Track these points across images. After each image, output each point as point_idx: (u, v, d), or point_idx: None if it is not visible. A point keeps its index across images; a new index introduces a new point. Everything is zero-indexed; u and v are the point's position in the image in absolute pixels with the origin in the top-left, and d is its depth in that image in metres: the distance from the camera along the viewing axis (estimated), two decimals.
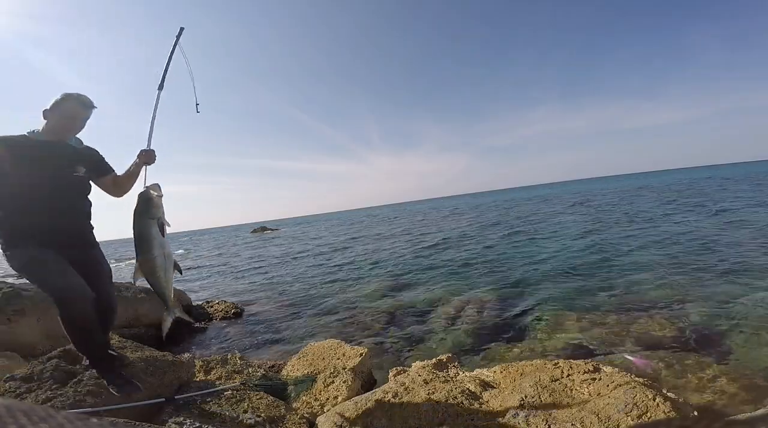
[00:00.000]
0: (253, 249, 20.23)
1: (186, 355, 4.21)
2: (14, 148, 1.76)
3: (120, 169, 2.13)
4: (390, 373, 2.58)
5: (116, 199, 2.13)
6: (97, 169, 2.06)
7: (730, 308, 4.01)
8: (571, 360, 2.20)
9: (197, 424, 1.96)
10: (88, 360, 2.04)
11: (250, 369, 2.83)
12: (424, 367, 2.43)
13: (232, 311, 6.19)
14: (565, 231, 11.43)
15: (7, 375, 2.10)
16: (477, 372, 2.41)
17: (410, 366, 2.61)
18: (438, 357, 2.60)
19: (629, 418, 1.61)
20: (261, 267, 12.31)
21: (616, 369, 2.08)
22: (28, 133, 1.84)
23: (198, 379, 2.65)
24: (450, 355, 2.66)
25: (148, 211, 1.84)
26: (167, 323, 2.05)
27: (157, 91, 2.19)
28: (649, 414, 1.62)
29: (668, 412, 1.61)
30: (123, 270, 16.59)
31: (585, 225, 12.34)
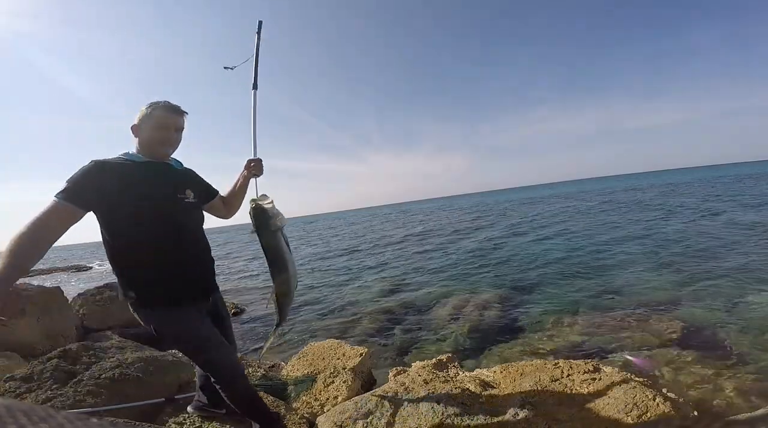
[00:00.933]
0: (253, 250, 20.23)
1: None
2: (123, 176, 1.43)
3: None
4: (390, 373, 2.57)
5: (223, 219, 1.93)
6: (206, 192, 1.75)
7: (731, 307, 4.02)
8: (571, 360, 2.20)
9: (197, 424, 1.96)
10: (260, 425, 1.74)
11: (250, 369, 2.83)
12: (424, 367, 2.42)
13: (232, 311, 6.20)
14: (578, 231, 11.42)
15: (7, 375, 2.11)
16: (477, 372, 2.41)
17: (410, 366, 2.61)
18: (438, 357, 2.60)
19: (629, 418, 1.61)
20: (261, 267, 12.31)
21: (616, 369, 2.08)
22: (122, 154, 1.51)
23: None
24: (450, 355, 2.66)
25: (267, 223, 1.66)
26: (271, 339, 2.04)
27: (252, 91, 2.01)
28: (649, 414, 1.62)
29: (668, 412, 1.61)
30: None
31: (607, 224, 12.33)
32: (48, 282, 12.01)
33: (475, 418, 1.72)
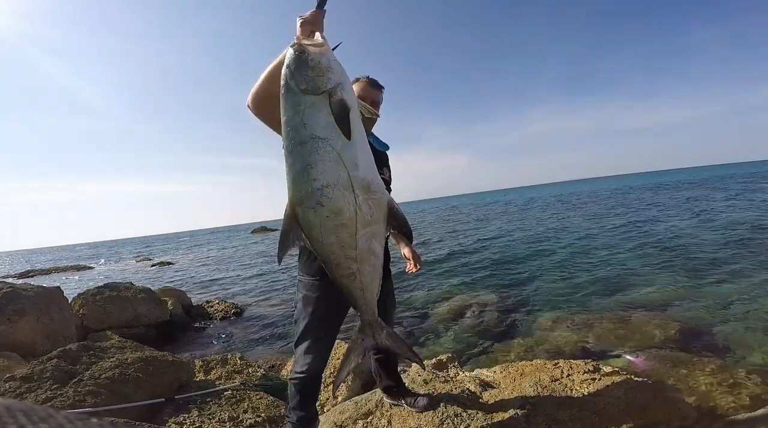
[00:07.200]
0: (254, 250, 20.23)
1: (186, 355, 4.22)
2: None
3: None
4: None
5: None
6: None
7: (731, 308, 4.01)
8: (571, 360, 2.20)
9: (197, 424, 1.96)
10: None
11: (250, 369, 2.83)
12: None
13: (232, 311, 6.20)
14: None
15: (7, 375, 2.11)
16: (477, 372, 2.41)
17: (410, 366, 2.61)
18: (438, 357, 2.60)
19: (629, 418, 1.61)
20: (261, 267, 12.31)
21: (616, 369, 2.08)
22: None
23: (198, 379, 2.65)
24: (450, 355, 2.66)
25: (295, 77, 0.92)
26: (356, 354, 1.25)
27: None
28: (649, 414, 1.62)
29: (668, 412, 1.61)
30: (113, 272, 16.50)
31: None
32: (48, 282, 12.00)
33: (475, 418, 1.72)
